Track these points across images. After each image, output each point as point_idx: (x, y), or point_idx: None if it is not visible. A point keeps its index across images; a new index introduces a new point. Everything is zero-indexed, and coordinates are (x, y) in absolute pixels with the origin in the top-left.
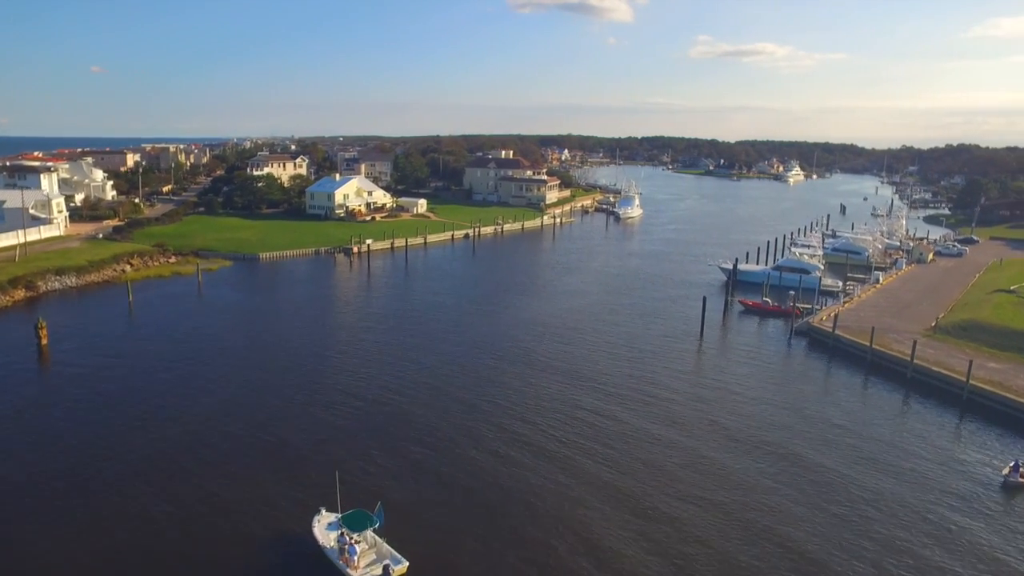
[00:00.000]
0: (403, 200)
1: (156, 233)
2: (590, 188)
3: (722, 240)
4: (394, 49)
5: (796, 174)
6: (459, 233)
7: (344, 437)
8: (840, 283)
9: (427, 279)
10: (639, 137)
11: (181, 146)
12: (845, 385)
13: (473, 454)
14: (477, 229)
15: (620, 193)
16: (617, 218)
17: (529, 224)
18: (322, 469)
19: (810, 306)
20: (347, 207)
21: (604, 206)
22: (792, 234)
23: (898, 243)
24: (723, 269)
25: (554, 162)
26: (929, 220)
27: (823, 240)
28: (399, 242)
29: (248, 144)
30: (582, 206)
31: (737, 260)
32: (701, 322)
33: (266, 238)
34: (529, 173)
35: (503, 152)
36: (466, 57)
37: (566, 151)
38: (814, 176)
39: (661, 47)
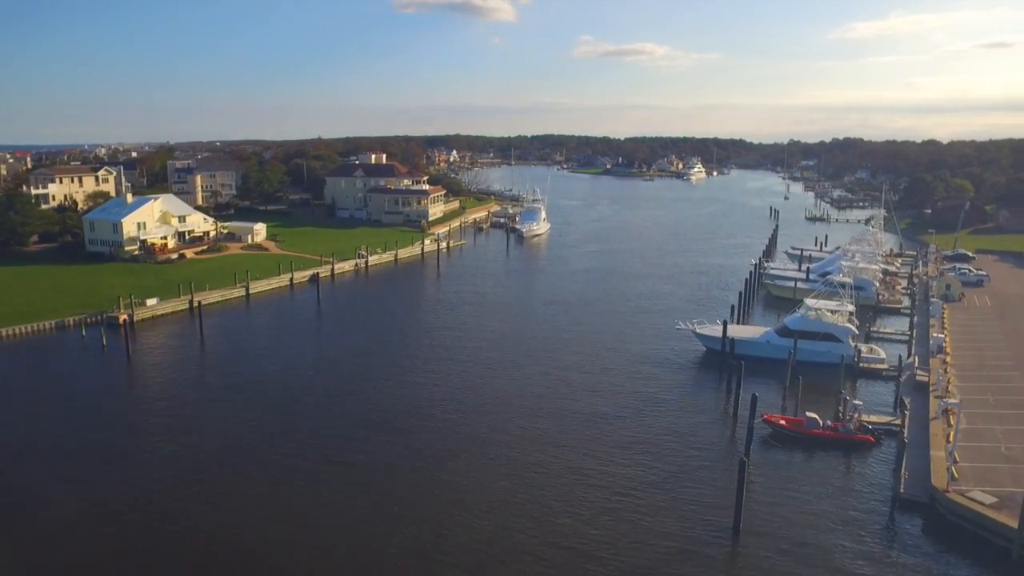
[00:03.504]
0: (234, 225)
1: None
2: (483, 196)
3: (663, 268)
4: (276, 50)
5: (698, 171)
6: (302, 275)
7: None
8: (881, 353)
9: (223, 382)
10: (530, 136)
11: None
12: None
13: None
14: (330, 266)
15: (519, 201)
16: (520, 237)
17: (405, 253)
18: None
19: (888, 420)
20: (143, 241)
21: (502, 220)
22: (760, 259)
23: (895, 268)
24: (702, 336)
25: (441, 164)
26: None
27: (799, 261)
28: (208, 296)
29: (102, 151)
30: (474, 220)
31: (726, 323)
32: (738, 504)
33: None
34: (407, 182)
35: (373, 156)
36: (351, 58)
37: (454, 152)
38: (715, 173)
39: (545, 47)
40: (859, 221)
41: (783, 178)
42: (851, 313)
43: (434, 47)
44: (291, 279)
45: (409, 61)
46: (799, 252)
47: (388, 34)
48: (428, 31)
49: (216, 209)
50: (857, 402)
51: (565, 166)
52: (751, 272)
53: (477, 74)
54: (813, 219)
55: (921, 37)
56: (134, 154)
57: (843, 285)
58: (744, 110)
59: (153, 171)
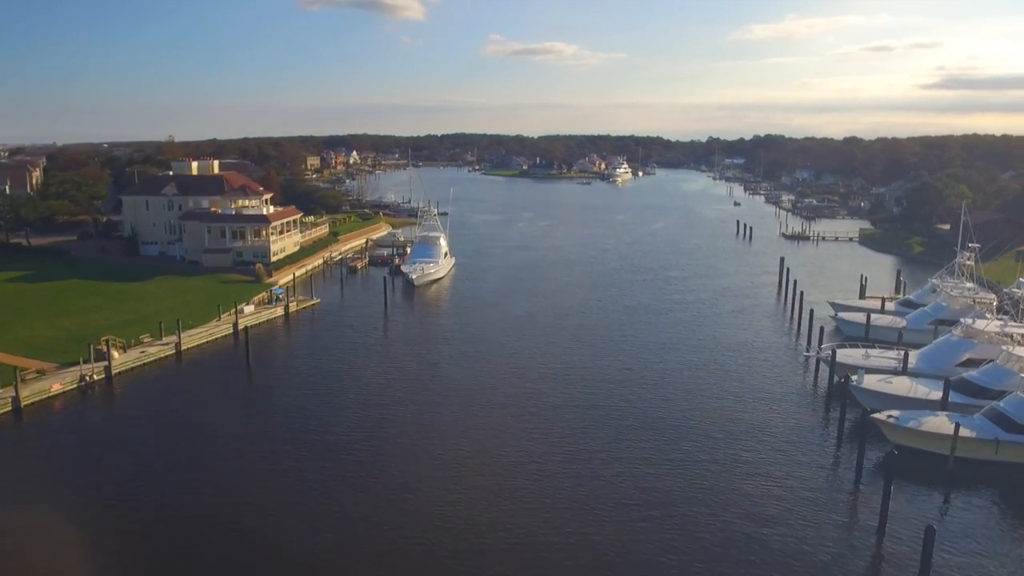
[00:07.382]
0: None
1: None
2: (369, 213)
3: (653, 361)
4: (174, 48)
5: (624, 172)
6: None
7: None
8: None
9: None
10: (439, 135)
11: None
12: None
13: None
14: (22, 388)
15: (417, 217)
16: (408, 283)
17: (200, 336)
18: None
19: None
20: None
21: (386, 252)
22: (826, 354)
23: None
24: None
25: (338, 167)
26: (867, 243)
27: (866, 334)
28: None
29: None
30: (343, 257)
31: None
32: None
33: None
34: (242, 202)
35: (194, 164)
36: (254, 57)
37: (354, 153)
38: (640, 174)
39: (455, 46)
40: (850, 239)
41: (713, 178)
42: None
43: (341, 46)
44: None
45: (315, 60)
46: (864, 319)
47: (293, 32)
48: (335, 30)
49: None
50: None
51: (477, 167)
52: (825, 382)
53: (386, 73)
54: (794, 237)
55: (814, 40)
56: None
57: None
58: (653, 108)
59: None
